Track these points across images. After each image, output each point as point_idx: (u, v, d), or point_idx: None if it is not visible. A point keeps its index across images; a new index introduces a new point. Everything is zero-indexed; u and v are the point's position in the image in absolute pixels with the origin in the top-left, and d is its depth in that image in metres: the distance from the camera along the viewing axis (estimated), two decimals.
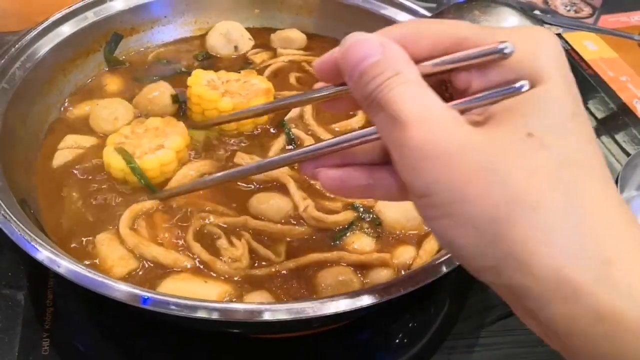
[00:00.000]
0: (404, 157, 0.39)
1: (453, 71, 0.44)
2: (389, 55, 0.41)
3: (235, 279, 0.71)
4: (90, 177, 0.82)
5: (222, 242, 0.74)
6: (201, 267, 0.72)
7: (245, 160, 0.85)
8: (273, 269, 0.72)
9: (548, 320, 0.38)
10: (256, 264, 0.73)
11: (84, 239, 0.75)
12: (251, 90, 0.90)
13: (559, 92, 0.40)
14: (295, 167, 0.85)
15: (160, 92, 0.92)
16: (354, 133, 0.49)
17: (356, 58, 0.42)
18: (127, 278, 0.71)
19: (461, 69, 0.43)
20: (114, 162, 0.79)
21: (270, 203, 0.79)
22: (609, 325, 0.36)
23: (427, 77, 0.42)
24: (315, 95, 0.53)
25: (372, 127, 0.47)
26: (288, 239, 0.76)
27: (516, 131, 0.38)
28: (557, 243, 0.36)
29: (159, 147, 0.80)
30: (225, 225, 0.76)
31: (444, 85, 0.47)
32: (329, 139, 0.53)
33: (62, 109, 0.94)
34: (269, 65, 1.05)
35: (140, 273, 0.72)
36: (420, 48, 0.43)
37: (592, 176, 0.39)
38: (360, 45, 0.42)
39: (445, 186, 0.38)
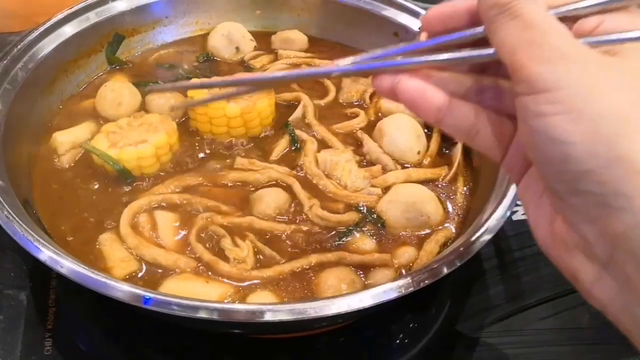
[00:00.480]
0: (537, 52, 0.42)
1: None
2: None
3: (238, 284, 0.71)
4: (90, 177, 0.83)
5: (226, 243, 0.74)
6: (203, 268, 0.73)
7: (245, 165, 0.85)
8: (276, 271, 0.72)
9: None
10: (258, 265, 0.74)
11: (86, 239, 0.75)
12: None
13: None
14: (299, 169, 0.86)
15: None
16: (458, 54, 0.49)
17: None
18: (128, 279, 0.71)
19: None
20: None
21: (270, 197, 0.80)
22: None
23: None
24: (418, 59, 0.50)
25: (474, 50, 0.48)
26: (290, 239, 0.77)
27: None
28: None
29: (143, 141, 0.82)
30: (229, 225, 0.77)
31: None
32: (422, 56, 0.50)
33: (64, 109, 0.95)
34: (269, 68, 1.05)
35: (141, 274, 0.72)
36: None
37: None
38: None
39: (577, 83, 0.40)
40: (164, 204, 0.79)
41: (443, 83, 0.51)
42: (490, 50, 0.47)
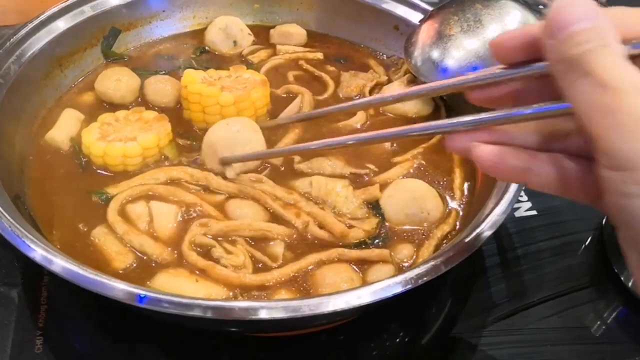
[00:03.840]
0: (615, 124, 0.37)
1: None
2: (601, 25, 0.40)
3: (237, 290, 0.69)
4: (84, 172, 0.82)
5: (219, 252, 0.72)
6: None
7: (220, 186, 0.81)
8: (273, 275, 0.70)
9: None
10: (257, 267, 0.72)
11: (81, 234, 0.74)
12: (248, 83, 0.89)
13: None
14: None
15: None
16: (529, 108, 0.45)
17: (568, 18, 0.40)
18: (125, 269, 0.70)
19: None
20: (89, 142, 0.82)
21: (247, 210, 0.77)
22: None
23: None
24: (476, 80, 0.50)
25: (548, 103, 0.44)
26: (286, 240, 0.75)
27: None
28: None
29: (132, 139, 0.81)
30: (225, 229, 0.75)
31: None
32: (497, 111, 0.48)
33: (59, 103, 0.93)
34: (267, 62, 1.03)
35: (135, 265, 0.71)
36: (628, 29, 0.42)
37: None
38: (575, 7, 0.40)
39: None
40: (155, 194, 0.78)
41: (517, 136, 0.48)
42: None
